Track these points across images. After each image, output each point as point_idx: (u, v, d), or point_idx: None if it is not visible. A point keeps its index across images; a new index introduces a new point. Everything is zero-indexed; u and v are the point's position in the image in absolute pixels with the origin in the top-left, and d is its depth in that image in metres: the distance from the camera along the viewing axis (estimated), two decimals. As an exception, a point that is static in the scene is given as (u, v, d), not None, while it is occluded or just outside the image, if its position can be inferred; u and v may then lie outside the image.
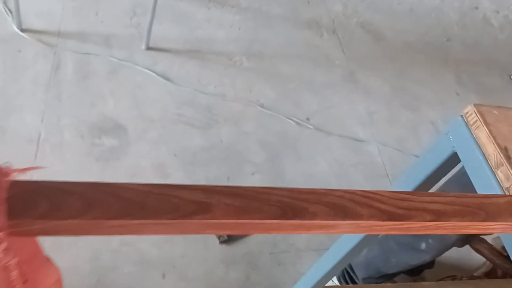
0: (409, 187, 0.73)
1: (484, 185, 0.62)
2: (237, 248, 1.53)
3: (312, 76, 2.21)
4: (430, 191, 0.73)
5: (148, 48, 1.97)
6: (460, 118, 0.66)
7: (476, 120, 0.64)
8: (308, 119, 2.01)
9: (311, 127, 1.97)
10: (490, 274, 1.44)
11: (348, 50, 2.43)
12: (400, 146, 2.05)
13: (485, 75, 2.68)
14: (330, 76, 2.26)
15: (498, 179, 0.59)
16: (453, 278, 1.51)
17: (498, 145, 0.61)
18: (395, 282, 1.38)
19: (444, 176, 0.71)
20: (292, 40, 2.37)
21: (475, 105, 0.65)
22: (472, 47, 2.84)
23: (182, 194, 0.38)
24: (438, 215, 0.46)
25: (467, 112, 0.65)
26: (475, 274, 1.54)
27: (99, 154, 1.58)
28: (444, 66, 2.62)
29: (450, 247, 1.13)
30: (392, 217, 0.44)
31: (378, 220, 0.43)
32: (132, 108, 1.75)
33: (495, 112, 0.66)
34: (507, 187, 0.58)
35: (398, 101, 2.27)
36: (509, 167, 0.59)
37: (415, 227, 0.45)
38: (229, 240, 1.52)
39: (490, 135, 0.62)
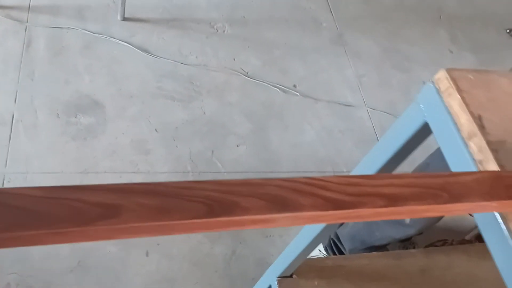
0: (379, 161, 0.68)
1: (456, 158, 0.57)
2: (222, 223, 1.49)
3: (298, 41, 2.13)
4: (402, 164, 0.68)
5: (124, 19, 1.88)
6: (431, 84, 0.60)
7: (448, 87, 0.58)
8: (295, 86, 1.94)
9: (298, 94, 1.90)
10: (481, 237, 1.40)
11: (337, 11, 2.33)
12: (391, 109, 1.99)
13: (480, 31, 2.58)
14: (318, 39, 2.17)
15: (471, 151, 0.54)
16: (444, 242, 1.48)
17: (472, 113, 0.55)
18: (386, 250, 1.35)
19: (415, 148, 0.65)
20: (278, 3, 2.27)
21: (447, 69, 0.59)
22: (467, 1, 2.74)
23: (84, 197, 0.33)
24: (393, 200, 0.41)
25: (439, 78, 0.59)
26: (466, 237, 1.51)
27: (75, 133, 1.52)
28: (437, 23, 2.52)
29: (437, 221, 1.09)
30: (338, 205, 0.39)
31: (322, 210, 0.38)
32: (109, 84, 1.68)
33: (471, 77, 0.60)
34: (480, 160, 0.53)
35: (389, 63, 2.19)
36: (482, 138, 0.53)
37: (366, 214, 0.40)
38: (214, 215, 1.48)
39: (462, 103, 0.56)
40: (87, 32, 1.79)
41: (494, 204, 0.45)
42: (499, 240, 0.50)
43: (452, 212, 0.44)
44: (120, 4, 1.83)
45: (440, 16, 2.58)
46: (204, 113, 1.73)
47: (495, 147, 0.53)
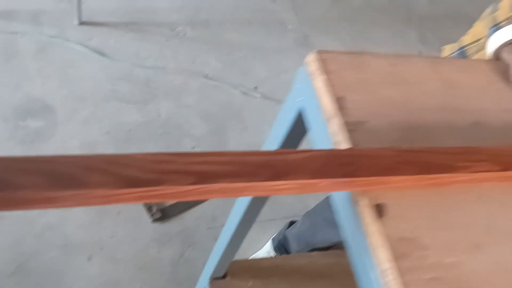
0: (274, 145, 0.66)
1: (319, 140, 0.54)
2: (172, 225, 1.47)
3: (262, 43, 2.11)
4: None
5: (82, 22, 1.87)
6: (304, 67, 0.58)
7: (317, 68, 0.56)
8: (256, 87, 1.92)
9: (258, 95, 1.88)
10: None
11: (303, 12, 2.32)
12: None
13: (452, 31, 2.55)
14: (282, 41, 2.16)
15: (330, 132, 0.51)
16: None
17: (334, 94, 0.53)
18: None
19: (304, 134, 0.63)
20: (242, 5, 2.26)
21: (318, 51, 0.57)
22: (439, 1, 2.72)
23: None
24: (202, 178, 0.39)
25: (309, 60, 0.57)
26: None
27: (23, 136, 1.50)
28: (407, 24, 2.51)
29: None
30: (133, 183, 0.37)
31: (113, 188, 0.36)
32: (62, 87, 1.67)
33: (344, 58, 0.58)
34: (337, 141, 0.50)
35: (354, 63, 2.16)
36: (341, 119, 0.51)
37: (170, 193, 0.38)
38: (163, 217, 1.46)
39: (326, 84, 0.54)
40: (43, 36, 1.78)
41: (324, 182, 0.43)
42: (347, 220, 0.48)
43: (277, 191, 0.42)
44: (76, 8, 1.82)
45: (411, 17, 2.56)
46: (160, 115, 1.71)
47: (353, 128, 0.51)
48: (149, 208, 1.47)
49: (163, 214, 1.47)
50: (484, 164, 0.49)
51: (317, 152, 0.45)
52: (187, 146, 1.66)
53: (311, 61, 0.57)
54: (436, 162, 0.48)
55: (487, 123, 0.57)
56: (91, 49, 1.80)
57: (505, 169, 0.50)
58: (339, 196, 0.50)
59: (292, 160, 0.43)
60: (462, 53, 0.84)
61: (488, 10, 0.85)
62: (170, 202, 1.51)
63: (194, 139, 1.69)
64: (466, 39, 0.85)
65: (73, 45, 1.79)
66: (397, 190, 0.47)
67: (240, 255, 1.44)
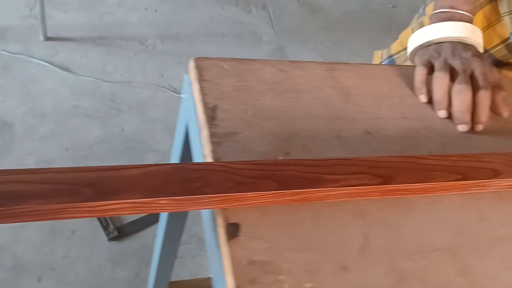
0: (176, 154, 0.62)
1: (196, 154, 0.50)
2: (128, 244, 1.42)
3: (235, 55, 2.08)
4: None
5: (48, 38, 1.85)
6: (187, 75, 0.54)
7: (194, 76, 0.52)
8: (226, 100, 1.88)
9: (227, 108, 1.84)
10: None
11: (279, 25, 2.30)
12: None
13: (433, 40, 2.53)
14: (256, 53, 2.13)
15: (202, 144, 0.47)
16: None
17: (206, 104, 0.49)
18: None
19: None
20: (216, 18, 2.24)
21: (196, 58, 0.53)
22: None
23: None
24: (7, 199, 0.35)
25: (190, 68, 0.53)
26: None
27: (-23, 155, 1.47)
28: (387, 34, 2.47)
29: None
30: None
31: None
32: (22, 104, 1.64)
33: (224, 66, 0.54)
34: (204, 155, 0.46)
35: (329, 74, 2.13)
36: (208, 131, 0.47)
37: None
38: (119, 236, 1.42)
39: (201, 93, 0.50)
40: (6, 53, 1.76)
41: (164, 201, 0.38)
42: (209, 242, 0.43)
43: (107, 212, 0.38)
44: (41, 24, 1.80)
45: (391, 26, 2.53)
46: (123, 130, 1.68)
47: (220, 140, 0.47)
48: (105, 226, 1.42)
49: (120, 232, 1.42)
50: (360, 177, 0.45)
51: (160, 166, 0.40)
52: (150, 160, 1.63)
53: (191, 68, 0.53)
54: (301, 175, 0.43)
55: (380, 132, 0.53)
56: (55, 65, 1.78)
57: (384, 182, 0.45)
58: (206, 214, 0.46)
59: (128, 176, 0.39)
60: (390, 63, 0.80)
61: (417, 15, 0.81)
62: (128, 219, 1.46)
63: (159, 153, 1.65)
64: (395, 47, 0.81)
65: (37, 61, 1.77)
66: (258, 207, 0.43)
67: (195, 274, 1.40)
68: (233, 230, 0.41)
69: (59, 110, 1.66)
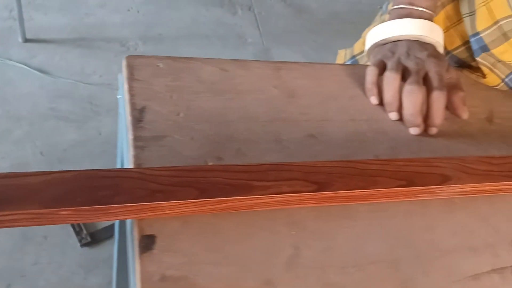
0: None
1: (125, 157, 0.47)
2: (101, 250, 1.38)
3: (218, 56, 2.05)
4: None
5: (26, 40, 1.82)
6: (121, 74, 0.51)
7: (125, 76, 0.49)
8: (208, 102, 1.85)
9: (209, 111, 1.81)
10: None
11: (265, 26, 2.27)
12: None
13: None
14: (240, 55, 2.09)
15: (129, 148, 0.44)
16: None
17: (134, 105, 0.46)
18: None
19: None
20: (200, 20, 2.21)
21: (128, 56, 0.50)
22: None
23: None
24: None
25: (123, 67, 0.50)
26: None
27: None
28: (375, 35, 2.45)
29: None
30: None
31: None
32: (-3, 106, 1.61)
33: (160, 64, 0.50)
34: (129, 159, 0.43)
35: (314, 76, 2.10)
36: (132, 134, 0.44)
37: None
38: (92, 242, 1.38)
39: (130, 93, 0.47)
40: (-18, 55, 1.73)
41: (67, 211, 0.35)
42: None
43: (5, 224, 0.34)
44: (19, 26, 1.77)
45: (379, 28, 2.50)
46: (100, 133, 1.64)
47: (145, 144, 0.43)
48: (78, 232, 1.39)
49: (93, 238, 1.39)
50: (292, 184, 0.41)
51: (66, 174, 0.37)
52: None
53: (123, 67, 0.50)
54: (226, 182, 0.40)
55: (325, 136, 0.50)
56: (33, 67, 1.74)
57: (319, 189, 0.42)
58: (128, 224, 0.42)
59: (26, 184, 0.36)
60: (354, 63, 0.77)
61: (380, 12, 0.78)
62: (102, 225, 1.43)
63: (136, 157, 1.61)
64: (358, 46, 0.77)
65: (14, 63, 1.73)
66: (179, 217, 0.39)
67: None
68: (147, 243, 0.38)
69: (35, 113, 1.63)
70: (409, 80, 0.52)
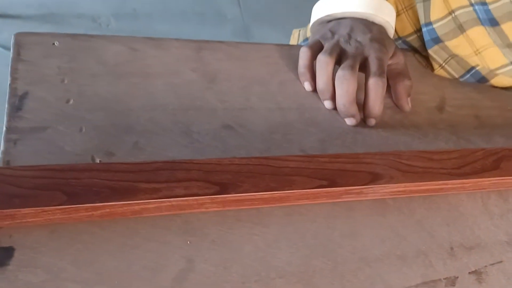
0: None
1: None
2: None
3: (195, 34, 1.97)
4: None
5: (-9, 15, 1.73)
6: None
7: (13, 56, 0.42)
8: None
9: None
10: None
11: (246, 3, 2.18)
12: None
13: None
14: (218, 32, 2.02)
15: (4, 143, 0.38)
16: None
17: (14, 90, 0.40)
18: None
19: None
20: (177, -5, 2.12)
21: (18, 34, 0.44)
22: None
23: None
24: None
25: (11, 46, 0.43)
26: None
27: None
28: (361, 13, 2.36)
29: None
30: None
31: None
32: (-44, 85, 1.53)
33: (56, 42, 0.44)
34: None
35: (295, 55, 2.02)
36: (6, 125, 0.37)
37: None
38: None
39: (11, 76, 0.41)
40: None
41: None
42: None
43: None
44: (-18, -1, 1.68)
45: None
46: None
47: (19, 137, 0.37)
48: None
49: None
50: (188, 185, 0.35)
51: None
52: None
53: (11, 46, 0.43)
54: (105, 184, 0.34)
55: (245, 126, 0.43)
56: (-3, 44, 1.66)
57: (221, 191, 0.36)
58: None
59: None
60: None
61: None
62: None
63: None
64: (311, 27, 0.70)
65: (-23, 39, 1.65)
66: (47, 225, 0.34)
67: None
68: (2, 257, 0.32)
69: (2, 91, 1.56)
70: (343, 65, 0.46)
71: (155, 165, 0.36)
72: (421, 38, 0.58)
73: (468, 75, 0.57)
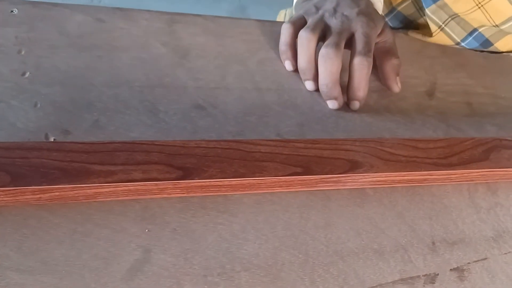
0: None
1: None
2: None
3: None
4: None
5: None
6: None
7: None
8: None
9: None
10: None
11: (242, -19, 2.12)
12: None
13: None
14: (212, 12, 1.97)
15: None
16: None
17: (-35, 60, 0.36)
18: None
19: None
20: (172, -28, 2.06)
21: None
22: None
23: None
24: None
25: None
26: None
27: None
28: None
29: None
30: None
31: None
32: None
33: (15, 10, 0.40)
34: None
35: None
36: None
37: None
38: None
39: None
40: None
41: None
42: None
43: None
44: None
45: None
46: None
47: (-32, 110, 0.34)
48: None
49: None
50: (148, 169, 0.33)
51: None
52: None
53: (-33, 14, 0.40)
54: (55, 165, 0.31)
55: (217, 107, 0.40)
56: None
57: (184, 176, 0.33)
58: None
59: None
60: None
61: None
62: None
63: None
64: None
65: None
66: (-10, 208, 0.31)
67: None
68: None
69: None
70: (327, 41, 0.42)
71: (112, 145, 0.33)
72: (414, 3, 0.54)
73: (470, 38, 0.53)
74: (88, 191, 0.32)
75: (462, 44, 0.54)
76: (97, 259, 0.31)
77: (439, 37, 0.53)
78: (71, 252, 0.31)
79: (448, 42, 0.55)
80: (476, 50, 0.56)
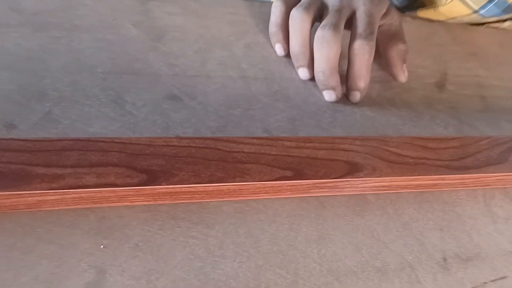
0: None
1: None
2: None
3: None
4: None
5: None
6: None
7: None
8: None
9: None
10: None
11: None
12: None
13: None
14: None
15: None
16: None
17: None
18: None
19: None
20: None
21: None
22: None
23: None
24: None
25: None
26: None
27: None
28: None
29: None
30: None
31: None
32: None
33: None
34: None
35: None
36: None
37: None
38: None
39: None
40: None
41: None
42: None
43: None
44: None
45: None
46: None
47: None
48: None
49: None
50: (104, 172, 0.27)
51: None
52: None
53: None
54: (-13, 168, 0.25)
55: (195, 98, 0.35)
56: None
57: (148, 181, 0.28)
58: None
59: None
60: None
61: None
62: None
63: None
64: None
65: None
66: None
67: None
68: None
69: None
70: (323, 22, 0.37)
71: (61, 143, 0.28)
72: None
73: (490, 5, 0.46)
74: (30, 199, 0.26)
75: (481, 12, 0.48)
76: (39, 282, 0.25)
77: (452, 5, 0.47)
78: (7, 274, 0.25)
79: (463, 11, 0.48)
80: (493, 22, 0.50)
